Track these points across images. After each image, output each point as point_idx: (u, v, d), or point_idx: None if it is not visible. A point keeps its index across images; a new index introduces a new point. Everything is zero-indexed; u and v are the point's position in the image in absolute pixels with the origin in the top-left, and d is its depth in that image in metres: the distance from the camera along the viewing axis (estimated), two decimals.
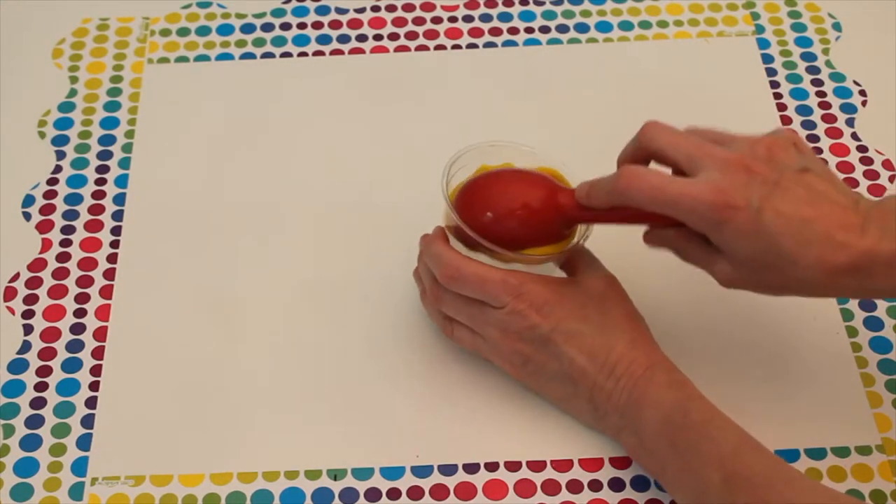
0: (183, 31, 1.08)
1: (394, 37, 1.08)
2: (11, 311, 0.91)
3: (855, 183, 0.98)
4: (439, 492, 0.83)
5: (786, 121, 1.01)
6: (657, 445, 0.78)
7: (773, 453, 0.75)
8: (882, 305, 0.91)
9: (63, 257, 0.94)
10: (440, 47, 1.07)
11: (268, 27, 1.09)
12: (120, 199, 0.97)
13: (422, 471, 0.84)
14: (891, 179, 0.98)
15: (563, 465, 0.84)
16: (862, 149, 1.00)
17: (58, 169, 0.99)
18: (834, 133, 1.01)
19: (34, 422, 0.86)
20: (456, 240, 0.86)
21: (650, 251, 0.94)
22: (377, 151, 1.00)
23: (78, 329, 0.90)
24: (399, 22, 1.09)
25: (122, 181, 0.99)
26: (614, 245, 0.94)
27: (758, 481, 0.73)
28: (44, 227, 0.96)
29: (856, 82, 1.04)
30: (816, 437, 0.84)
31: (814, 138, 1.00)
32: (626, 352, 0.81)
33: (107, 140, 1.01)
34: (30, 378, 0.88)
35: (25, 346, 0.90)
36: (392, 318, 0.91)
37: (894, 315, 0.90)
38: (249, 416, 0.86)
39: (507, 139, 0.88)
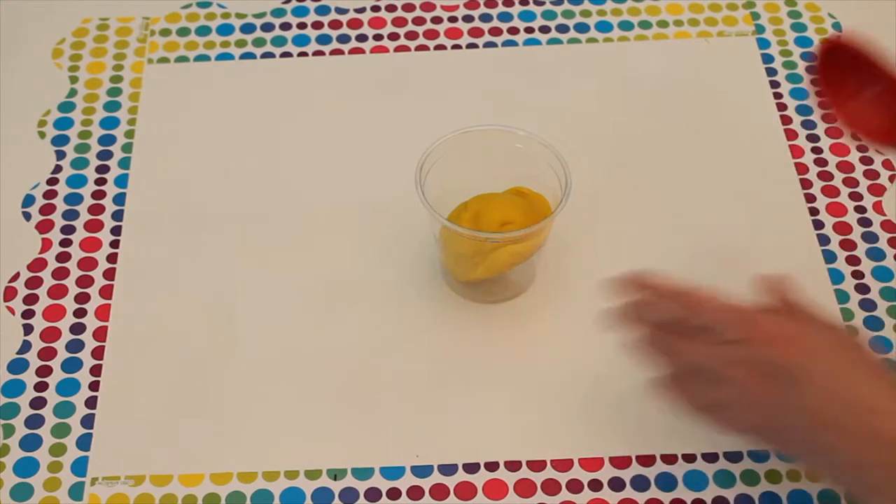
0: (183, 31, 1.08)
1: (394, 37, 1.08)
2: (11, 311, 0.91)
3: (855, 182, 0.98)
4: (439, 492, 0.83)
5: (786, 121, 1.01)
6: None
7: None
8: (882, 305, 0.91)
9: (63, 257, 0.94)
10: (440, 47, 1.07)
11: (268, 27, 1.09)
12: (120, 199, 0.97)
13: (422, 471, 0.84)
14: (891, 179, 0.98)
15: (563, 465, 0.84)
16: (862, 148, 1.00)
17: (58, 169, 0.99)
18: (834, 133, 1.01)
19: (34, 422, 0.86)
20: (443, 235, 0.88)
21: (649, 255, 0.94)
22: (377, 151, 1.00)
23: (78, 329, 0.90)
24: (399, 22, 1.09)
25: (122, 181, 0.99)
26: (614, 246, 0.94)
27: None
28: (44, 227, 0.96)
29: None
30: None
31: (814, 138, 1.00)
32: (883, 402, 0.69)
33: (107, 140, 1.01)
34: (30, 378, 0.88)
35: (25, 346, 0.90)
36: (392, 317, 0.91)
37: (894, 315, 0.90)
38: (249, 416, 0.86)
39: (476, 124, 0.90)
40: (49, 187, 0.98)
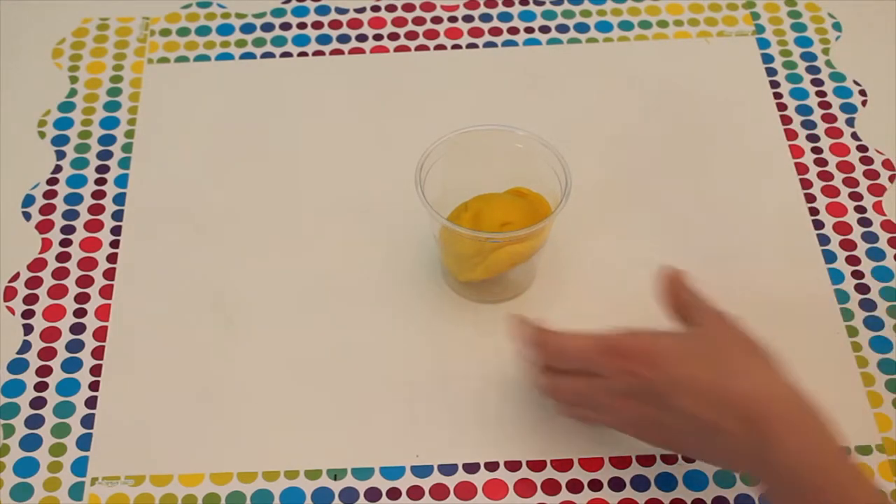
0: (183, 31, 1.08)
1: (394, 37, 1.08)
2: (11, 311, 0.91)
3: (855, 182, 0.98)
4: (439, 492, 0.83)
5: (786, 120, 1.01)
6: (792, 496, 0.72)
7: None
8: (882, 305, 0.91)
9: (63, 257, 0.94)
10: (440, 47, 1.07)
11: (268, 27, 1.09)
12: (120, 199, 0.97)
13: (422, 471, 0.84)
14: (891, 179, 0.98)
15: (563, 465, 0.84)
16: (862, 148, 1.00)
17: (58, 169, 0.99)
18: (834, 133, 1.01)
19: (34, 422, 0.86)
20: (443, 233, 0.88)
21: (648, 254, 0.94)
22: (377, 151, 1.00)
23: (78, 329, 0.90)
24: (399, 22, 1.09)
25: (122, 181, 0.99)
26: (614, 246, 0.94)
27: None
28: (44, 227, 0.96)
29: (856, 82, 1.04)
30: None
31: (814, 138, 1.00)
32: (746, 388, 0.73)
33: (107, 140, 1.01)
34: (30, 378, 0.88)
35: (25, 346, 0.90)
36: (392, 317, 0.91)
37: (894, 315, 0.90)
38: (249, 416, 0.86)
39: (476, 124, 0.90)
40: (49, 187, 0.98)
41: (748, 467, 0.75)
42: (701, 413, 0.74)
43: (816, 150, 1.00)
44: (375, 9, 1.10)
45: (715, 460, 0.79)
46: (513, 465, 0.84)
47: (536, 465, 0.84)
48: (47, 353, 0.89)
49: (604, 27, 1.08)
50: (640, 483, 0.83)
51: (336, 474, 0.83)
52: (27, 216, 0.97)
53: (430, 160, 0.88)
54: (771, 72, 1.05)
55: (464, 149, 0.89)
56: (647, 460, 0.83)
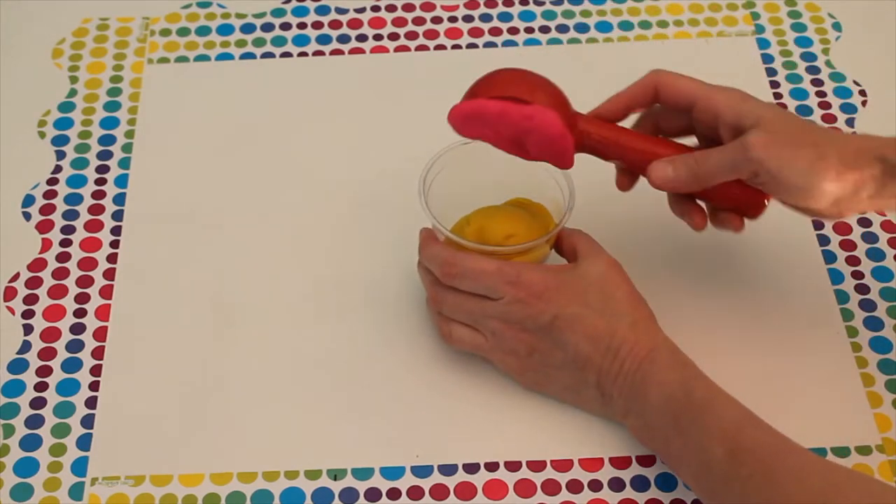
0: (183, 31, 1.08)
1: (394, 37, 1.08)
2: (11, 311, 0.91)
3: None
4: (439, 492, 0.83)
5: None
6: (661, 423, 0.79)
7: (774, 428, 0.76)
8: (882, 305, 0.91)
9: (63, 257, 0.94)
10: (440, 47, 1.07)
11: (268, 27, 1.09)
12: (120, 199, 0.97)
13: (422, 471, 0.84)
14: None
15: (563, 465, 0.84)
16: None
17: (58, 169, 0.99)
18: None
19: (34, 422, 0.86)
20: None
21: (650, 255, 0.94)
22: (377, 151, 1.00)
23: (78, 329, 0.90)
24: (399, 22, 1.09)
25: (122, 181, 0.99)
26: (614, 248, 0.94)
27: (762, 452, 0.74)
28: (44, 227, 0.96)
29: (856, 82, 1.04)
30: (816, 437, 0.84)
31: None
32: (629, 334, 0.81)
33: (107, 140, 1.01)
34: (30, 378, 0.88)
35: (25, 346, 0.90)
36: (392, 317, 0.91)
37: (894, 315, 0.90)
38: (249, 416, 0.86)
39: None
40: (49, 187, 0.98)
41: (616, 406, 0.82)
42: (583, 348, 0.81)
43: None
44: (375, 9, 1.10)
45: (580, 398, 0.84)
46: (513, 466, 0.84)
47: (536, 465, 0.84)
48: (47, 353, 0.89)
49: (604, 27, 1.08)
50: (639, 483, 0.83)
51: (336, 474, 0.84)
52: (27, 216, 0.97)
53: (432, 173, 0.88)
54: (771, 72, 1.05)
55: (465, 159, 0.89)
56: (646, 460, 0.83)
